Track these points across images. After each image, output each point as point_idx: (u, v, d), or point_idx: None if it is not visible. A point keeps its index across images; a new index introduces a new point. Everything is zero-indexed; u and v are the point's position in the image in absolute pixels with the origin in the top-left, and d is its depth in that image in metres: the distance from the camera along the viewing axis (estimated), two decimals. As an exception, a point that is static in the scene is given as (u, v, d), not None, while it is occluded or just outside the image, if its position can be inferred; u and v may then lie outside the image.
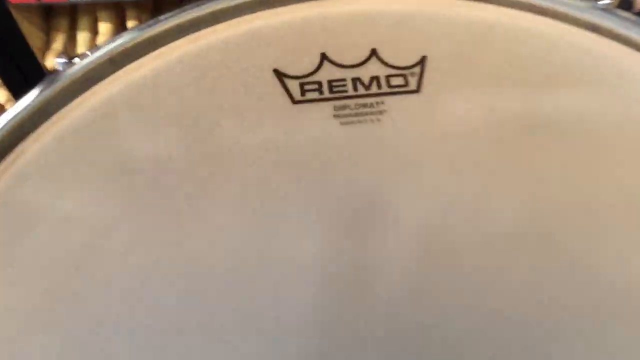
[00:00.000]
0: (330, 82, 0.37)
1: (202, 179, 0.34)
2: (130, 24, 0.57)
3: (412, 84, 0.37)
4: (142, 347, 0.31)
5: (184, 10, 0.39)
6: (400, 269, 0.33)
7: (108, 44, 0.38)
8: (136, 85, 0.36)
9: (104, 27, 0.56)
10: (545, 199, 0.34)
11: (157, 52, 0.38)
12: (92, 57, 0.38)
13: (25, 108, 0.36)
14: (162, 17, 0.39)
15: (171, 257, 0.33)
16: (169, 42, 0.38)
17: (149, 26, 0.39)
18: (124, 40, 0.38)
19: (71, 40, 0.58)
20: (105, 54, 0.38)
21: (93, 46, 0.56)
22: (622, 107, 0.36)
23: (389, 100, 0.36)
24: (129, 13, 0.58)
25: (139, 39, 0.38)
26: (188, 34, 0.38)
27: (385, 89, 0.37)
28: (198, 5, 0.40)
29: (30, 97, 0.36)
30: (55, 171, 0.34)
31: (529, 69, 0.37)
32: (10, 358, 0.30)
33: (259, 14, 0.39)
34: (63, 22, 0.58)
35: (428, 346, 0.32)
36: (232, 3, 0.39)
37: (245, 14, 0.39)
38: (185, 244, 0.33)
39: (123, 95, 0.36)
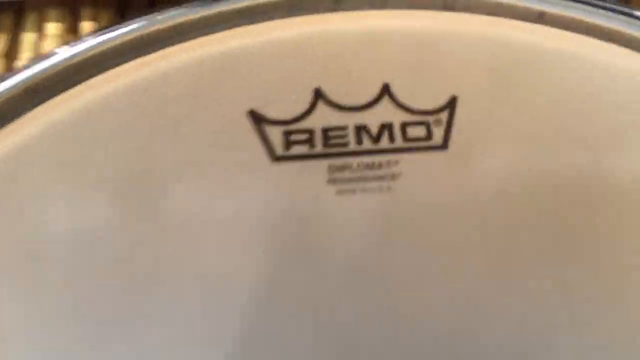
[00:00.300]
0: (325, 130, 0.27)
1: (142, 270, 0.24)
2: (85, 25, 0.47)
3: (438, 137, 0.27)
4: None
5: (130, 24, 0.29)
6: None
7: (28, 67, 0.28)
8: (54, 131, 0.26)
9: (54, 28, 0.46)
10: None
11: (91, 81, 0.28)
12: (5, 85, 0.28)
13: None
14: (103, 30, 0.29)
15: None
16: (107, 68, 0.28)
17: (84, 43, 0.29)
18: (49, 63, 0.28)
19: (15, 42, 0.48)
20: (21, 82, 0.28)
21: (39, 49, 0.46)
22: None
23: (406, 159, 0.26)
24: (85, 12, 0.47)
25: (68, 63, 0.28)
26: (136, 56, 0.28)
27: (400, 142, 0.27)
28: (160, 13, 0.29)
29: None
30: None
31: (594, 114, 0.27)
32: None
33: (233, 31, 0.29)
34: (6, 21, 0.48)
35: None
36: (198, 15, 0.29)
37: (214, 30, 0.29)
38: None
39: (37, 144, 0.26)
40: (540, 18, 0.29)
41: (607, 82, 0.28)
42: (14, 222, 0.25)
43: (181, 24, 0.29)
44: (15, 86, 0.27)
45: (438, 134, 0.27)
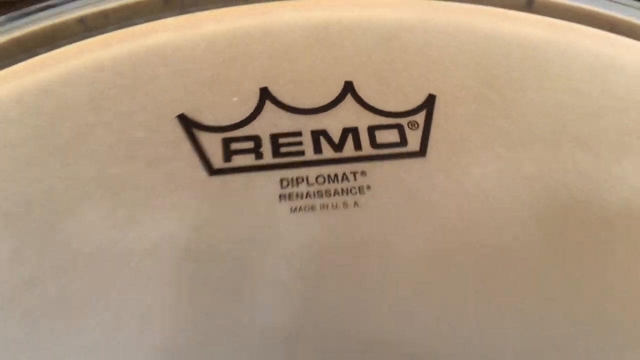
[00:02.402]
0: (275, 137, 0.22)
1: (40, 308, 0.18)
2: None
3: (414, 142, 0.22)
4: None
5: (34, 11, 0.23)
6: None
7: None
8: None
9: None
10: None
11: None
12: None
13: None
14: None
15: None
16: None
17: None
18: None
19: None
20: None
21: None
22: None
23: (376, 169, 0.21)
24: None
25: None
26: (33, 54, 0.23)
27: (367, 149, 0.22)
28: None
29: None
30: None
31: (598, 114, 0.23)
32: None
33: (159, 24, 0.24)
34: None
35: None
36: (114, 3, 0.24)
37: (135, 22, 0.24)
38: None
39: None
40: (528, 6, 0.25)
41: (613, 78, 0.23)
42: None
43: (95, 14, 0.24)
44: None
45: (414, 138, 0.22)
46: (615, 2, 0.24)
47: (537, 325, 0.19)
